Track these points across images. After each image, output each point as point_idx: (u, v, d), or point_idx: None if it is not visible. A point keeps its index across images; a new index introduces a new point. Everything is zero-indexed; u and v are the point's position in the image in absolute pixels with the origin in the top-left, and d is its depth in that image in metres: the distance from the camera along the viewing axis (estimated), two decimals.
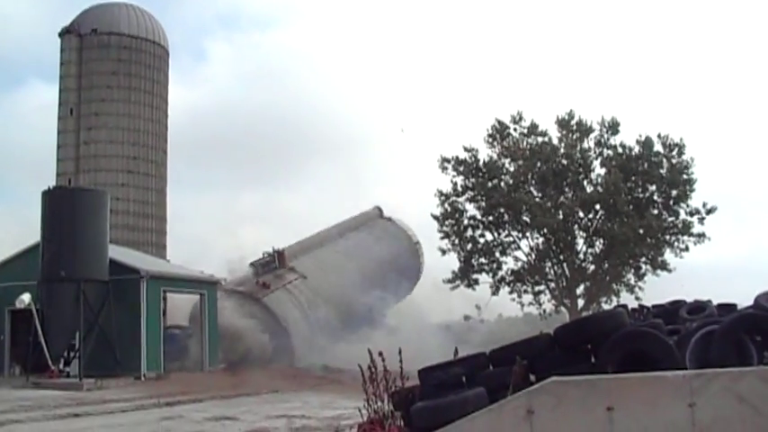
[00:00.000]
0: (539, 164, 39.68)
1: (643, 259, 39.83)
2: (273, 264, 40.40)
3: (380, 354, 8.70)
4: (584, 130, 40.45)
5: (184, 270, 37.85)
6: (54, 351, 30.25)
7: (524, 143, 40.48)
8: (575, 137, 40.38)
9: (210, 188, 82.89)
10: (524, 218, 39.93)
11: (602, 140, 40.34)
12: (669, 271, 39.72)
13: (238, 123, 78.30)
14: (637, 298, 37.96)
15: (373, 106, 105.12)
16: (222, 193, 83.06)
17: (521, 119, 40.93)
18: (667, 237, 39.65)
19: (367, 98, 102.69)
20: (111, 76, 47.70)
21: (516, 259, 41.65)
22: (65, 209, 31.28)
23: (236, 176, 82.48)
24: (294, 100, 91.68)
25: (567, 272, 40.66)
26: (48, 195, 32.16)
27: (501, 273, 41.60)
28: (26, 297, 30.63)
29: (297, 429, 17.07)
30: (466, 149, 40.92)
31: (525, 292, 41.73)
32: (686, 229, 39.32)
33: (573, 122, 40.61)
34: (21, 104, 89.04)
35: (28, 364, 30.28)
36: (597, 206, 39.39)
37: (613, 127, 40.33)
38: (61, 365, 30.73)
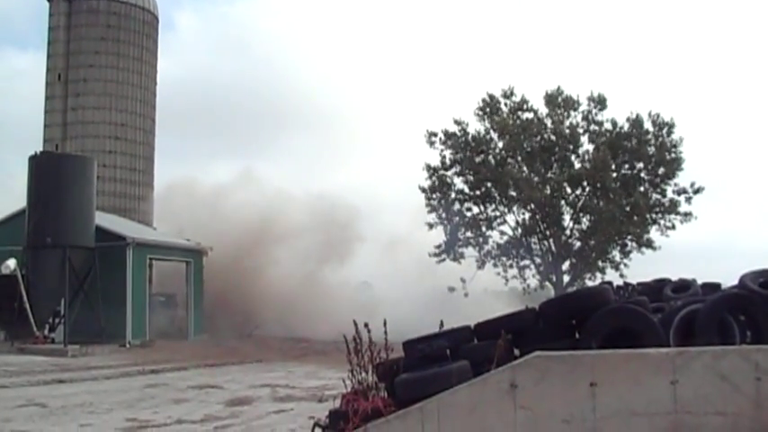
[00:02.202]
0: (527, 139, 39.53)
1: (629, 237, 39.87)
2: None
3: (366, 325, 8.72)
4: (571, 105, 40.30)
5: (171, 238, 37.84)
6: (39, 317, 30.24)
7: (513, 118, 40.28)
8: (563, 112, 40.22)
9: (186, 157, 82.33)
10: (511, 192, 39.86)
11: (590, 116, 40.24)
12: (655, 249, 39.78)
13: (212, 94, 77.70)
14: (621, 275, 38.09)
15: (353, 79, 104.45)
16: (197, 162, 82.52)
17: (512, 94, 40.79)
18: (654, 215, 39.70)
19: (349, 71, 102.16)
20: (100, 41, 47.34)
21: (502, 233, 41.67)
22: (51, 175, 31.18)
23: (210, 146, 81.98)
24: (271, 71, 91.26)
25: (552, 247, 40.70)
26: (34, 161, 32.01)
27: (487, 247, 41.62)
28: (11, 263, 30.55)
29: (280, 398, 17.15)
30: (456, 122, 40.77)
31: (510, 266, 41.78)
32: (673, 207, 39.37)
33: (560, 99, 40.45)
34: (7, 70, 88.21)
35: (13, 330, 30.28)
36: (584, 183, 39.36)
37: (601, 102, 40.22)
38: (46, 331, 30.75)
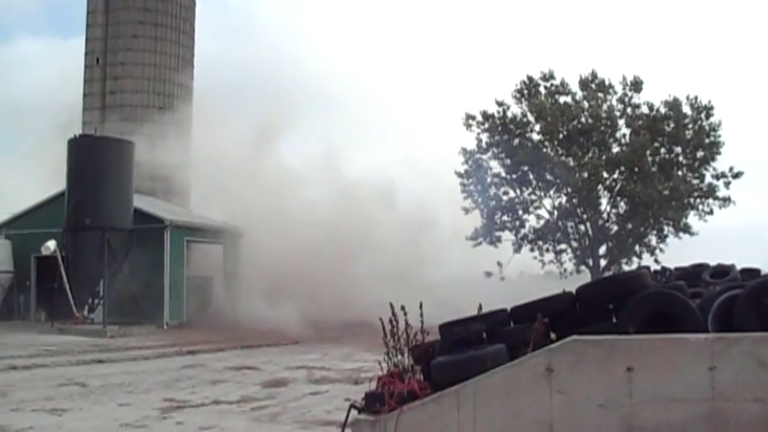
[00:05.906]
0: (564, 122, 39.17)
1: (666, 221, 39.47)
2: None
3: (402, 308, 8.72)
4: (605, 88, 39.85)
5: (208, 220, 38.02)
6: (78, 298, 30.67)
7: (551, 101, 39.90)
8: (598, 95, 39.79)
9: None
10: (548, 176, 39.63)
11: (626, 100, 39.81)
12: (692, 234, 39.35)
13: (229, 77, 77.38)
14: (656, 260, 37.83)
15: (377, 62, 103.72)
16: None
17: (552, 77, 40.44)
18: (692, 200, 39.26)
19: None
20: (138, 25, 47.60)
21: (539, 218, 41.47)
22: (90, 157, 31.51)
23: (242, 129, 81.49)
24: (290, 53, 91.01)
25: (589, 231, 40.44)
26: (74, 144, 32.36)
27: (523, 231, 41.46)
28: (51, 244, 31.00)
29: (316, 380, 17.25)
30: (498, 104, 40.51)
31: (547, 250, 41.60)
32: (711, 192, 38.91)
33: (594, 83, 40.02)
34: (47, 52, 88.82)
35: (53, 311, 30.73)
36: (622, 167, 38.97)
37: (636, 85, 39.75)
38: (85, 312, 31.17)
